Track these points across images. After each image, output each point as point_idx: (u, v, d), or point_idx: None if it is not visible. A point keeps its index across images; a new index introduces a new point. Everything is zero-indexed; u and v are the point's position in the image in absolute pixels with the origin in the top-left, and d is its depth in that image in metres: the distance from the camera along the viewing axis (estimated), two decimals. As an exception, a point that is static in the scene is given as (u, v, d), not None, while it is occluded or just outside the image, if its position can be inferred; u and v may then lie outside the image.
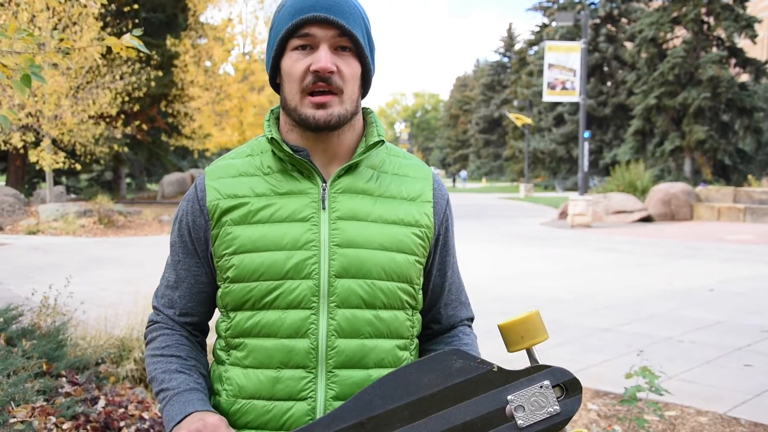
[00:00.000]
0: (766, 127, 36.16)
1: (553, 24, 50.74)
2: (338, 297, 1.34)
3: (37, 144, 20.46)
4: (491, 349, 2.17)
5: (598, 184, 36.32)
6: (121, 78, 21.54)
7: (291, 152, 1.36)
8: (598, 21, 48.18)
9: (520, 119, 43.29)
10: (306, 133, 1.38)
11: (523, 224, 21.28)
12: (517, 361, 1.50)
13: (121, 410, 3.54)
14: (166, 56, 28.01)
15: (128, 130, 24.47)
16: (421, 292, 1.45)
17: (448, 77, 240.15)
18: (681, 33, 36.08)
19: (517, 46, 68.20)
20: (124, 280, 9.21)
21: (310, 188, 1.37)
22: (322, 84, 1.31)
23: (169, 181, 34.22)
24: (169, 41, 26.91)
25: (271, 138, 1.37)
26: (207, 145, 27.62)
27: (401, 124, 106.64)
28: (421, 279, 1.45)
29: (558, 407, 1.24)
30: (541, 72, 43.74)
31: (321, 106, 1.32)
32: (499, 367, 1.26)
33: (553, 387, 1.25)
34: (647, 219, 21.37)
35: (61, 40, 2.53)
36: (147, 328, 1.48)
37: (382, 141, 1.43)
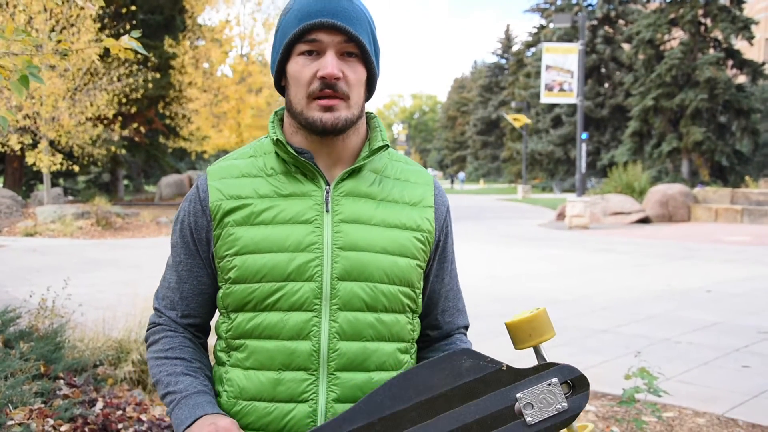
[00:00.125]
0: (764, 129, 36.24)
1: (551, 26, 50.77)
2: (340, 300, 1.34)
3: (34, 146, 20.43)
4: (491, 349, 2.17)
5: (595, 186, 36.36)
6: (119, 80, 21.53)
7: (296, 154, 1.36)
8: (595, 23, 48.25)
9: (518, 120, 43.33)
10: (311, 136, 1.38)
11: (521, 225, 21.29)
12: (520, 360, 1.50)
13: (119, 412, 3.54)
14: (163, 58, 28.00)
15: (126, 132, 24.43)
16: (421, 296, 1.46)
17: (446, 79, 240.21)
18: (678, 34, 36.16)
19: (515, 48, 68.27)
20: (121, 282, 9.20)
21: (314, 191, 1.38)
22: (328, 91, 1.32)
23: (166, 182, 34.20)
24: (167, 42, 26.90)
25: (276, 139, 1.37)
26: (205, 146, 27.60)
27: (399, 126, 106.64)
28: (422, 283, 1.46)
29: (566, 404, 1.26)
30: (538, 73, 43.79)
31: (328, 109, 1.32)
32: (508, 366, 1.27)
33: (561, 384, 1.27)
34: (645, 220, 21.39)
35: (59, 41, 2.52)
36: (148, 330, 1.47)
37: (387, 146, 1.43)
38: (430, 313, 1.53)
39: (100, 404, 3.57)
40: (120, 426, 3.36)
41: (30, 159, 19.98)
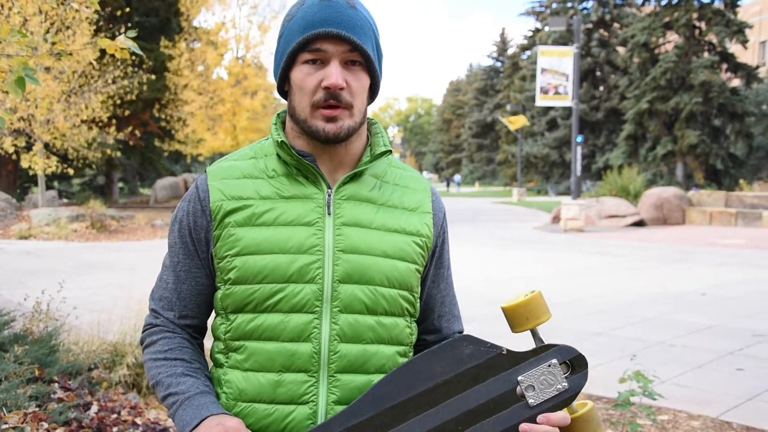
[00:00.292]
0: (758, 132, 36.38)
1: (546, 29, 50.85)
2: (341, 302, 1.35)
3: (29, 148, 20.38)
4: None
5: (590, 189, 36.46)
6: (113, 82, 21.48)
7: (299, 157, 1.36)
8: (590, 26, 48.37)
9: (513, 123, 43.34)
10: (314, 141, 1.39)
11: (516, 228, 21.32)
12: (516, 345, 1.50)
13: (114, 416, 3.53)
14: (159, 60, 27.98)
15: (121, 135, 24.39)
16: (419, 300, 1.47)
17: (441, 82, 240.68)
18: (673, 38, 36.30)
19: (510, 51, 68.39)
20: (116, 285, 9.18)
21: (316, 193, 1.38)
22: (332, 101, 1.32)
23: (161, 185, 34.17)
24: (163, 44, 26.89)
25: (281, 142, 1.37)
26: (200, 149, 27.57)
27: (394, 129, 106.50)
28: (419, 288, 1.47)
29: (566, 384, 1.31)
30: (533, 76, 43.91)
31: (332, 119, 1.33)
32: (508, 350, 1.30)
33: (560, 365, 1.31)
34: (640, 223, 21.44)
35: (54, 43, 2.53)
36: (145, 331, 1.46)
37: (390, 151, 1.45)
38: (427, 318, 1.54)
39: (94, 408, 3.56)
40: (115, 429, 3.35)
41: (25, 162, 19.91)
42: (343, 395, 1.34)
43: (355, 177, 1.41)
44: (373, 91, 1.42)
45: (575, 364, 1.32)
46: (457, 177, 67.03)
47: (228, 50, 26.85)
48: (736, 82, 36.73)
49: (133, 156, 34.85)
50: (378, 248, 1.38)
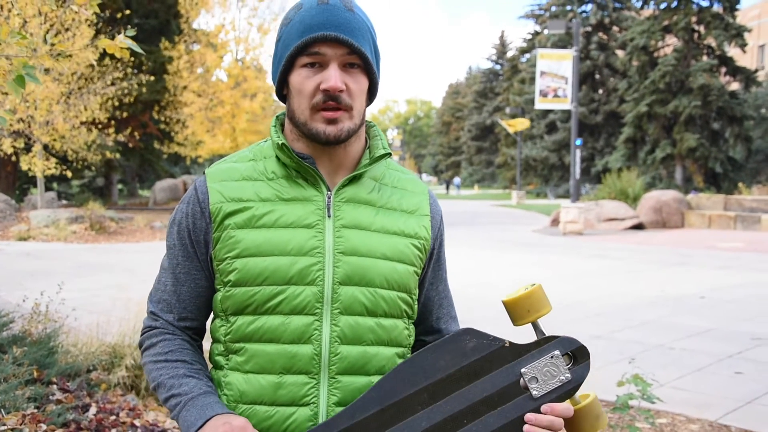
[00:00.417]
0: (757, 136, 36.44)
1: (545, 32, 50.97)
2: (342, 304, 1.35)
3: (28, 150, 20.38)
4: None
5: (589, 192, 36.46)
6: (113, 84, 21.48)
7: (299, 159, 1.37)
8: (589, 29, 48.44)
9: (512, 126, 43.37)
10: (313, 144, 1.39)
11: (516, 231, 21.32)
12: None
13: (113, 417, 3.53)
14: (158, 62, 27.99)
15: (120, 137, 24.38)
16: (417, 302, 1.48)
17: (441, 84, 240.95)
18: (672, 41, 36.35)
19: (509, 54, 68.46)
20: (115, 287, 9.16)
21: (315, 196, 1.39)
22: (332, 103, 1.33)
23: (161, 187, 34.17)
24: (163, 45, 26.90)
25: (281, 144, 1.37)
26: (199, 151, 27.55)
27: (393, 131, 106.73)
28: (417, 290, 1.47)
29: (569, 375, 1.32)
30: (533, 79, 43.94)
31: (332, 121, 1.34)
32: (510, 343, 1.31)
33: (563, 356, 1.32)
34: (639, 226, 21.45)
35: (53, 45, 2.53)
36: (144, 333, 1.46)
37: (389, 154, 1.45)
38: (425, 319, 1.55)
39: (93, 409, 3.56)
40: (113, 431, 3.34)
41: (24, 164, 19.91)
42: (343, 397, 1.34)
43: (354, 179, 1.42)
44: (371, 93, 1.42)
45: (577, 355, 1.33)
46: (457, 180, 67.10)
47: (227, 52, 26.85)
48: (735, 86, 36.79)
49: (133, 158, 34.85)
50: (377, 250, 1.38)
